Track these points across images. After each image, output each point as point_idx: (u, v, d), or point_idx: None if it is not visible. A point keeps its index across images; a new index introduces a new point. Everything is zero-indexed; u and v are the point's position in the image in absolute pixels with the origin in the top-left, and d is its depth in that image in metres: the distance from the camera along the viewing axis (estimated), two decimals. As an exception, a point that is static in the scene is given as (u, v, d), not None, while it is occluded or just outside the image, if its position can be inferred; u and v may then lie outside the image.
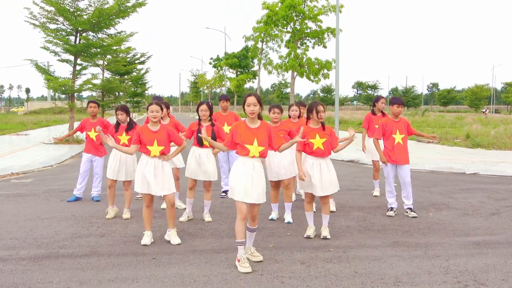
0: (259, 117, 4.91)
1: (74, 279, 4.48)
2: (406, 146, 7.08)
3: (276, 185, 6.79)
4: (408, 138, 7.32)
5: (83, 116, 53.92)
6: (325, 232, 5.88)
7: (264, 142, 4.79)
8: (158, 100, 6.87)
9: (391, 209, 7.15)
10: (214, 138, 6.44)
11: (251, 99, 4.78)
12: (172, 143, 5.83)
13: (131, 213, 7.07)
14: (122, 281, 4.43)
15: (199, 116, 6.61)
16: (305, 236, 5.89)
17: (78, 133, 8.61)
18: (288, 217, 6.80)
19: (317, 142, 5.75)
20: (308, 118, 5.94)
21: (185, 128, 7.77)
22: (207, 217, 6.77)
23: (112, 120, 41.28)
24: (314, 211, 7.01)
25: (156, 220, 6.74)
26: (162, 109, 5.72)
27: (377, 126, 8.14)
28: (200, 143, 6.56)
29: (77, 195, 8.24)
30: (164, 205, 7.52)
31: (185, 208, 7.12)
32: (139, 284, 4.35)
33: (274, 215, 6.86)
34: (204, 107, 6.57)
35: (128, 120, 7.14)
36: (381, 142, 7.33)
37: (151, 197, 5.66)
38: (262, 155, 4.83)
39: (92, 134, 8.11)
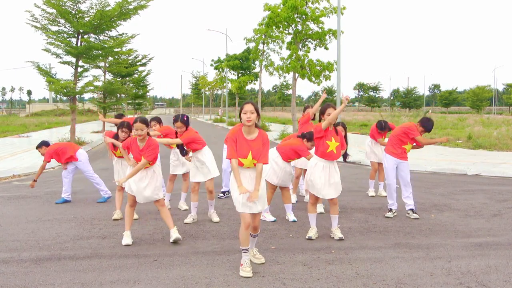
0: (256, 126, 4.78)
1: (75, 281, 4.48)
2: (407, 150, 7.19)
3: (273, 187, 6.75)
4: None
5: (84, 118, 54.01)
6: (338, 232, 5.86)
7: (258, 155, 4.67)
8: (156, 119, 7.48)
9: (390, 210, 7.15)
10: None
11: (248, 107, 4.63)
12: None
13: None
14: (123, 283, 4.43)
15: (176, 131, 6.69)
16: (306, 237, 5.88)
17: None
18: (291, 216, 6.81)
19: (332, 145, 5.75)
20: (320, 120, 6.00)
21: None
22: (215, 217, 6.80)
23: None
24: (322, 212, 7.05)
25: (158, 222, 6.74)
26: (147, 126, 5.64)
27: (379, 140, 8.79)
28: (182, 153, 6.69)
29: (65, 198, 8.25)
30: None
31: (186, 210, 7.19)
32: (140, 286, 4.35)
33: (272, 217, 6.86)
34: (178, 124, 6.55)
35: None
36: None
37: (135, 198, 5.74)
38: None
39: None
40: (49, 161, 8.11)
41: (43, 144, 8.33)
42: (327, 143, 5.74)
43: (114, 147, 7.02)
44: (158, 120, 7.68)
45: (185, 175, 7.51)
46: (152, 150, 5.59)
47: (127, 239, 5.66)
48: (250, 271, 4.64)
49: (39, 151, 8.27)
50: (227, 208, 7.68)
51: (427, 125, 6.94)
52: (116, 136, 6.84)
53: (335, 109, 5.84)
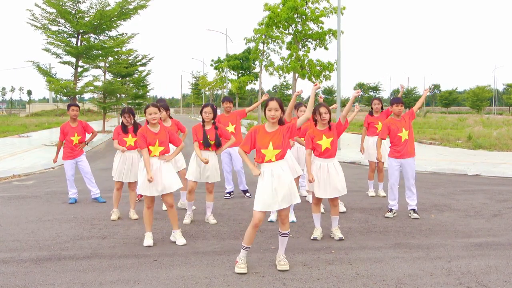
0: (280, 122, 4.72)
1: (75, 281, 4.48)
2: (412, 140, 7.10)
3: None
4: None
5: (85, 117, 54.00)
6: (338, 233, 5.85)
7: (280, 144, 4.63)
8: (160, 103, 6.90)
9: (391, 210, 7.14)
10: (218, 140, 6.46)
11: (273, 104, 4.60)
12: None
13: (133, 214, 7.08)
14: (123, 283, 4.43)
15: (203, 118, 6.59)
16: (311, 238, 5.86)
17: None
18: (291, 216, 6.80)
19: (325, 142, 5.73)
20: (314, 120, 5.89)
21: (185, 128, 7.79)
22: (212, 220, 6.76)
23: (113, 122, 40.81)
24: (323, 212, 7.03)
25: (158, 222, 6.74)
26: (159, 110, 5.70)
27: (376, 126, 8.62)
28: (206, 145, 6.49)
29: (75, 198, 8.26)
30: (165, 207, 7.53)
31: (185, 209, 7.17)
32: (140, 286, 4.34)
33: (273, 217, 6.84)
34: (208, 109, 6.54)
35: (133, 122, 7.15)
36: (384, 142, 7.39)
37: (152, 198, 5.66)
38: (280, 158, 4.66)
39: (76, 139, 8.11)
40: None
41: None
42: (318, 143, 5.72)
43: (124, 134, 7.06)
44: (166, 107, 7.36)
45: (181, 173, 7.46)
46: (171, 134, 5.84)
47: (148, 240, 5.63)
48: (245, 268, 4.65)
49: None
50: (227, 208, 7.68)
51: (391, 102, 7.16)
52: (123, 125, 7.08)
53: (327, 108, 5.79)
